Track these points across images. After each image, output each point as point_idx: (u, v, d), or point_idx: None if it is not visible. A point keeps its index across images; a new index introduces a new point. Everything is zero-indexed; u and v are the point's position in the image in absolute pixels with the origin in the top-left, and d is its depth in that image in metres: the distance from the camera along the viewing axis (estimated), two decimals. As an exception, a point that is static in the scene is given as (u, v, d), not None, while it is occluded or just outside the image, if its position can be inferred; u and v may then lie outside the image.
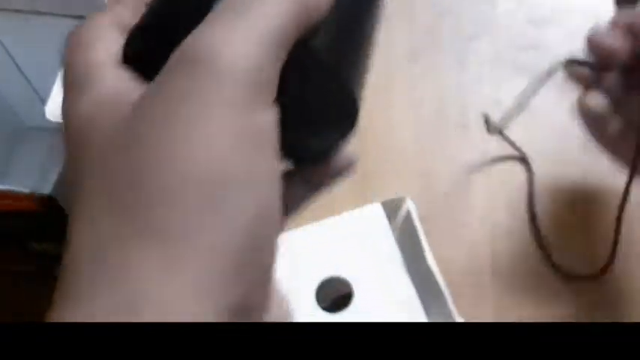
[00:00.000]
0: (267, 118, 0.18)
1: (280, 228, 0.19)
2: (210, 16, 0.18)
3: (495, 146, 0.51)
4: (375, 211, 0.44)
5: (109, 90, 0.19)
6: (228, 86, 0.17)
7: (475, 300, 0.45)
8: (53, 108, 0.36)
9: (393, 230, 0.44)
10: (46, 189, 0.36)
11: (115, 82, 0.19)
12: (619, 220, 0.42)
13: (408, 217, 0.45)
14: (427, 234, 0.44)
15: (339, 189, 0.49)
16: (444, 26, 0.57)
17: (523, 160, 0.50)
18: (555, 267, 0.45)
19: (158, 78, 0.18)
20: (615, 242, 0.43)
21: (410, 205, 0.45)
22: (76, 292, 0.17)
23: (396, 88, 0.54)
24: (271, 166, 0.18)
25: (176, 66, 0.18)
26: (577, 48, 0.56)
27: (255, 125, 0.17)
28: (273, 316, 0.20)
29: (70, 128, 0.19)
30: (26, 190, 0.36)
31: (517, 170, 0.50)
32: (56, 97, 0.37)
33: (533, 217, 0.48)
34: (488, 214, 0.48)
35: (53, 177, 0.37)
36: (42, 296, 0.45)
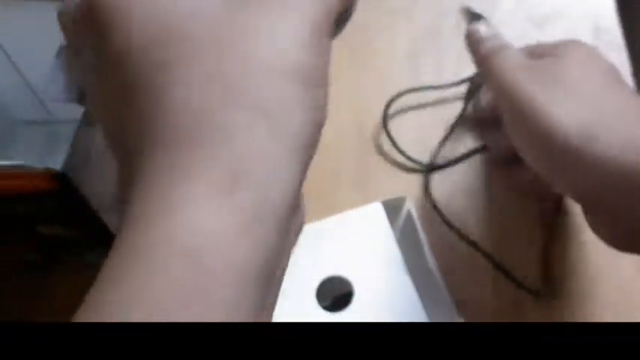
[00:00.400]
0: (329, 45, 0.23)
1: None
2: None
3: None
4: (375, 211, 0.44)
5: None
6: (307, 10, 0.22)
7: (475, 299, 0.45)
8: (54, 90, 0.35)
9: (394, 230, 0.44)
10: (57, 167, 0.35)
11: None
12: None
13: (409, 217, 0.45)
14: (427, 234, 0.44)
15: (340, 188, 0.50)
16: (444, 26, 0.57)
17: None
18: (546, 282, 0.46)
19: None
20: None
21: (410, 205, 0.45)
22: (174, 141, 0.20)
23: (396, 88, 0.54)
24: (326, 77, 0.22)
25: None
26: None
27: (322, 44, 0.22)
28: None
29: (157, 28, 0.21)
30: (39, 167, 0.35)
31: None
32: (56, 78, 0.36)
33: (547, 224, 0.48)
34: (488, 213, 0.48)
35: (62, 156, 0.36)
36: (53, 285, 0.45)
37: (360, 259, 0.42)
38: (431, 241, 0.44)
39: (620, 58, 0.54)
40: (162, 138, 0.20)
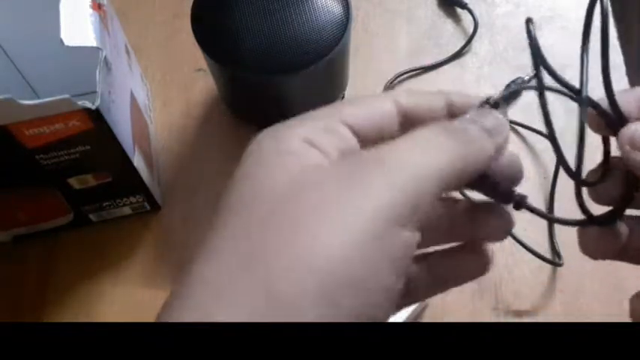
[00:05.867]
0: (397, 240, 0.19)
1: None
2: None
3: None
4: None
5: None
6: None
7: (474, 292, 0.46)
8: (68, 35, 0.36)
9: None
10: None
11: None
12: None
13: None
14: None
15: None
16: (444, 26, 0.58)
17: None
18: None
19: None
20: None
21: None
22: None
23: (396, 88, 0.55)
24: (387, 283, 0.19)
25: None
26: (574, 50, 0.57)
27: (386, 245, 0.19)
28: None
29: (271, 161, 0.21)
30: (77, 105, 0.35)
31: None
32: (68, 23, 0.36)
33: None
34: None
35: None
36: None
37: None
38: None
39: (614, 58, 0.55)
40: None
